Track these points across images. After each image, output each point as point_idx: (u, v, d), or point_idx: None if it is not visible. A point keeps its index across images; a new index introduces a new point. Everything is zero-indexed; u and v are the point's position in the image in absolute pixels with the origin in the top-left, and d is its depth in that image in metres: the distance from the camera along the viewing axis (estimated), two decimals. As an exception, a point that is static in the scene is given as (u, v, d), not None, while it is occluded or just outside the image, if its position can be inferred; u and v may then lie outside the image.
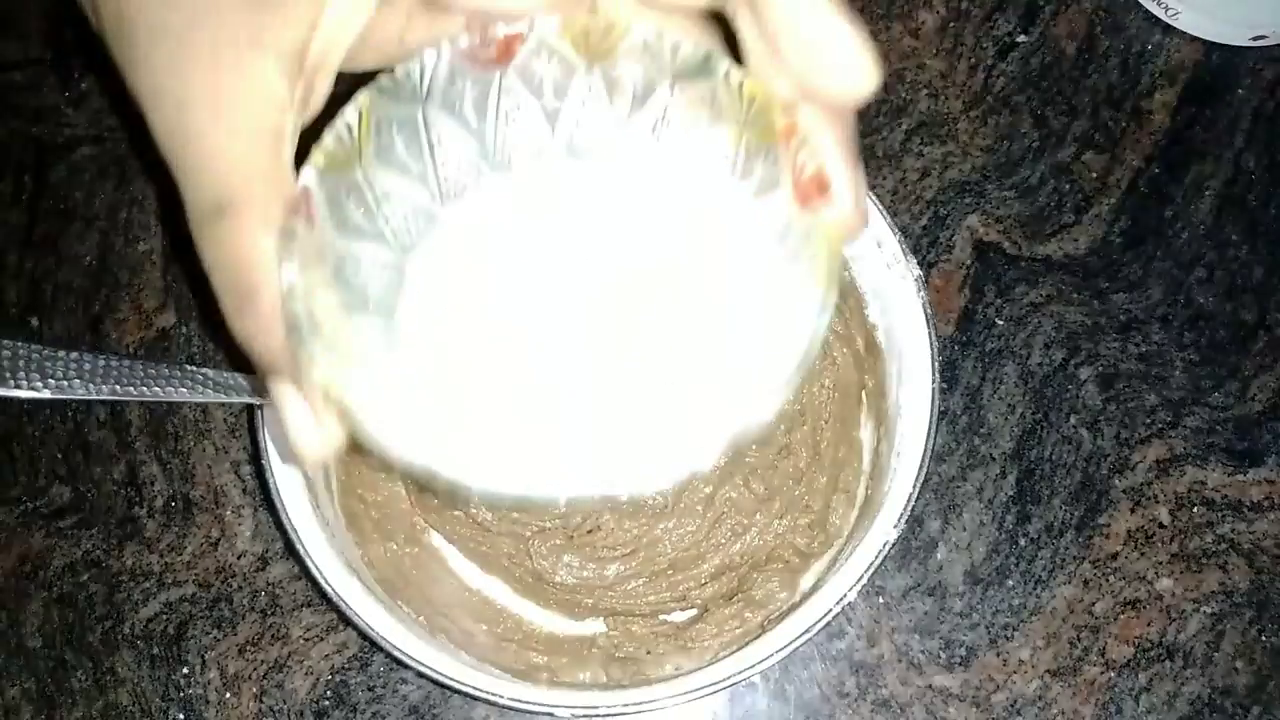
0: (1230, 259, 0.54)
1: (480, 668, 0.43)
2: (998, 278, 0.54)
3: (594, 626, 0.48)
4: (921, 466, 0.41)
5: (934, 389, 0.42)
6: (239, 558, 0.51)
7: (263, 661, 0.49)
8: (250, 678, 0.48)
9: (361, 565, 0.44)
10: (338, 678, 0.48)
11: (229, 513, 0.51)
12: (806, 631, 0.39)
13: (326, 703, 0.48)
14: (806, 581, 0.46)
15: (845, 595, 0.40)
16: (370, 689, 0.48)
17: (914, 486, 0.41)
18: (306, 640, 0.49)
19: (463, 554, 0.49)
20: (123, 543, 0.51)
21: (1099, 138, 0.57)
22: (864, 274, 0.47)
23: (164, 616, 0.50)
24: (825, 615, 0.40)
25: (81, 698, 0.48)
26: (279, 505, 0.41)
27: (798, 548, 0.47)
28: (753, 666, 0.40)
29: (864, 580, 0.40)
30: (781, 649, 0.39)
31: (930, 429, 0.42)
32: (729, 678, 0.40)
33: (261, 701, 0.48)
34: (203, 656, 0.49)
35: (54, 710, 0.48)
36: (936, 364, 0.43)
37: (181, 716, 0.48)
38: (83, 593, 0.50)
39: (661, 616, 0.48)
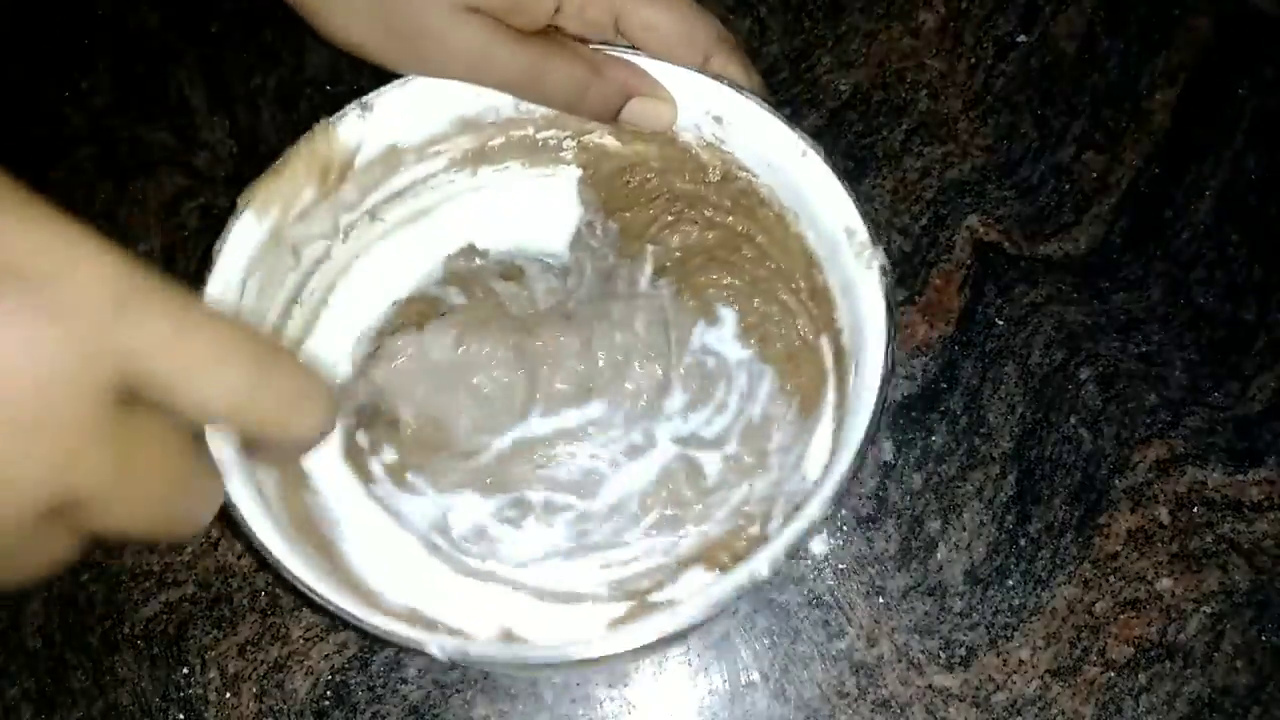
0: (1230, 259, 0.54)
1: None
2: (998, 278, 0.54)
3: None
4: (874, 420, 0.38)
5: (888, 356, 0.39)
6: (239, 558, 0.50)
7: (263, 661, 0.49)
8: (250, 678, 0.48)
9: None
10: (338, 678, 0.48)
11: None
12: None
13: (326, 703, 0.48)
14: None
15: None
16: (370, 689, 0.48)
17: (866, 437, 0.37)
18: (306, 640, 0.49)
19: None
20: (122, 542, 0.51)
21: (1099, 138, 0.57)
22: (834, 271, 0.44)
23: (164, 616, 0.50)
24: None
25: (81, 698, 0.48)
26: (239, 519, 0.38)
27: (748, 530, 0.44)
28: (716, 603, 0.36)
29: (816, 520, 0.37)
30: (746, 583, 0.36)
31: (881, 393, 0.38)
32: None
33: (261, 701, 0.48)
34: (203, 656, 0.49)
35: (54, 710, 0.48)
36: (894, 344, 0.40)
37: (181, 716, 0.48)
38: (83, 593, 0.50)
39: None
